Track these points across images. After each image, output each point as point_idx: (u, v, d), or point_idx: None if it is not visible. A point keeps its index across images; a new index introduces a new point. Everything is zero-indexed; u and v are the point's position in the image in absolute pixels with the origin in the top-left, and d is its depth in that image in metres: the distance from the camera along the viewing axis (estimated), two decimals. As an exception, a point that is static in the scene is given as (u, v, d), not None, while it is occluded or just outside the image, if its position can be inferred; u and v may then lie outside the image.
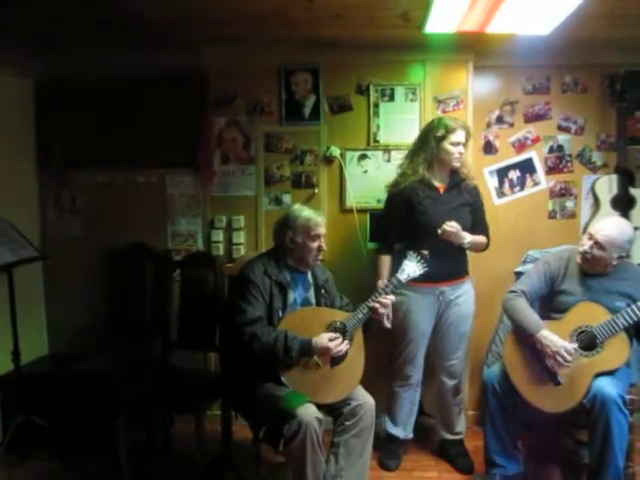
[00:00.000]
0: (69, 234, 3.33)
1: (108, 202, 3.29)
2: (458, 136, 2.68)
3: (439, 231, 2.61)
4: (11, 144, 3.16)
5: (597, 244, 2.44)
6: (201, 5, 2.44)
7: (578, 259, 2.52)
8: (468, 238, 2.68)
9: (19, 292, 2.92)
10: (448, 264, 2.71)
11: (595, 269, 2.50)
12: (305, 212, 2.47)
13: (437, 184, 2.77)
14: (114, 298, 3.23)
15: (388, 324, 2.64)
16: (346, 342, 2.37)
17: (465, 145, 2.73)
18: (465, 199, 2.78)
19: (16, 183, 3.20)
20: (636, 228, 2.92)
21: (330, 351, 2.32)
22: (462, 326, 2.83)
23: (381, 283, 2.49)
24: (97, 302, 3.26)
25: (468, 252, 2.89)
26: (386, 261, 2.80)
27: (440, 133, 2.68)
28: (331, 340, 2.33)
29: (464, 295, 2.81)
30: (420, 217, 2.71)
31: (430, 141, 2.70)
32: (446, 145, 2.69)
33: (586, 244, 2.47)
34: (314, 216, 2.46)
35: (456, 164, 2.72)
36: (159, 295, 3.11)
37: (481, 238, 2.81)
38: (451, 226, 2.61)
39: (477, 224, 2.82)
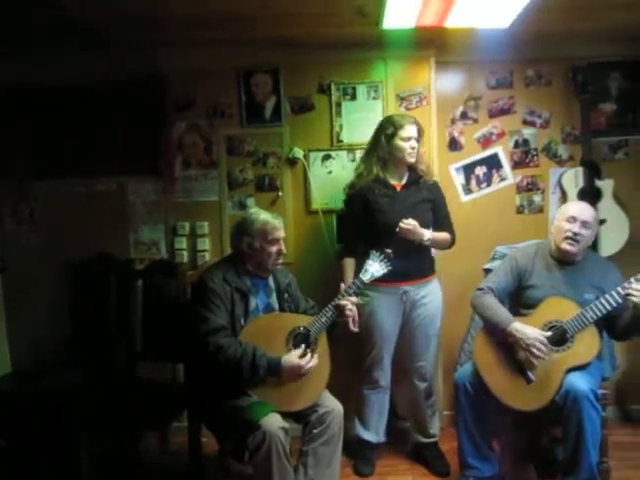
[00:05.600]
0: (28, 246, 3.22)
1: (68, 212, 3.18)
2: (408, 131, 2.64)
3: (397, 229, 2.57)
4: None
5: (585, 223, 2.44)
6: (152, 7, 2.38)
7: (566, 245, 2.45)
8: (427, 235, 2.64)
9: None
10: (410, 263, 2.66)
11: (576, 256, 2.49)
12: (262, 216, 2.40)
13: (394, 182, 2.73)
14: (77, 310, 3.13)
15: (355, 328, 2.58)
16: (316, 356, 2.31)
17: (418, 140, 2.69)
18: (424, 196, 2.74)
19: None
20: (602, 221, 2.92)
21: (301, 369, 2.26)
22: (430, 327, 2.78)
23: (344, 286, 2.43)
24: (60, 315, 3.15)
25: (435, 251, 2.85)
26: (350, 263, 2.75)
27: (389, 131, 2.66)
28: (301, 357, 2.26)
29: (430, 295, 2.76)
30: (377, 216, 2.67)
31: (381, 140, 2.68)
32: (397, 141, 2.65)
33: (574, 226, 2.44)
34: (271, 220, 2.40)
35: (410, 160, 2.68)
36: (122, 305, 3.02)
37: (444, 235, 2.76)
38: (407, 223, 2.57)
39: (439, 221, 2.78)
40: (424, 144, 2.85)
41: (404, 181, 2.75)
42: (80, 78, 3.05)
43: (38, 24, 2.55)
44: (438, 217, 2.78)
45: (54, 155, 3.16)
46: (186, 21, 2.58)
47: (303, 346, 2.31)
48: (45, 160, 3.17)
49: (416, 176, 2.75)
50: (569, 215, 2.48)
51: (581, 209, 2.51)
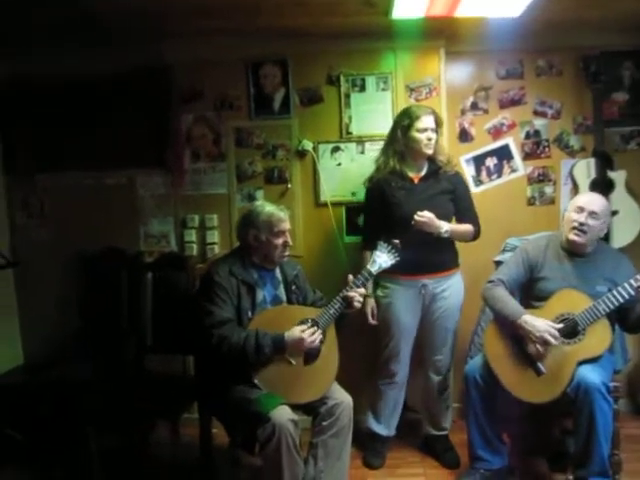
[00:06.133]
0: (39, 239, 3.23)
1: (77, 205, 3.19)
2: (424, 122, 2.61)
3: (412, 222, 2.55)
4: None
5: (593, 214, 2.41)
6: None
7: (572, 236, 2.43)
8: (445, 227, 2.59)
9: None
10: (429, 256, 2.63)
11: (584, 247, 2.46)
12: (267, 208, 2.40)
13: (411, 175, 2.70)
14: (87, 303, 3.15)
15: (373, 320, 2.55)
16: (319, 331, 2.29)
17: (437, 131, 2.66)
18: (444, 187, 2.70)
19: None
20: (614, 212, 2.89)
21: (304, 342, 2.24)
22: (449, 321, 2.75)
23: (351, 277, 2.41)
24: (71, 307, 3.17)
25: (457, 243, 2.80)
26: (369, 256, 2.73)
27: (405, 122, 2.63)
28: (303, 331, 2.25)
29: (450, 289, 2.72)
30: (394, 209, 2.65)
31: (397, 132, 2.65)
32: (413, 133, 2.62)
33: (580, 217, 2.41)
34: (276, 212, 2.39)
35: (427, 151, 2.65)
36: (132, 298, 3.03)
37: (465, 227, 2.71)
38: (422, 216, 2.54)
39: (461, 212, 2.73)
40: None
41: (423, 173, 2.71)
42: (88, 72, 3.03)
43: (42, 16, 2.54)
44: (460, 208, 2.73)
45: (63, 148, 3.15)
46: (189, 11, 2.56)
47: (310, 323, 2.30)
48: (54, 153, 3.16)
49: (435, 167, 2.71)
50: (577, 205, 2.46)
51: (590, 200, 2.48)
